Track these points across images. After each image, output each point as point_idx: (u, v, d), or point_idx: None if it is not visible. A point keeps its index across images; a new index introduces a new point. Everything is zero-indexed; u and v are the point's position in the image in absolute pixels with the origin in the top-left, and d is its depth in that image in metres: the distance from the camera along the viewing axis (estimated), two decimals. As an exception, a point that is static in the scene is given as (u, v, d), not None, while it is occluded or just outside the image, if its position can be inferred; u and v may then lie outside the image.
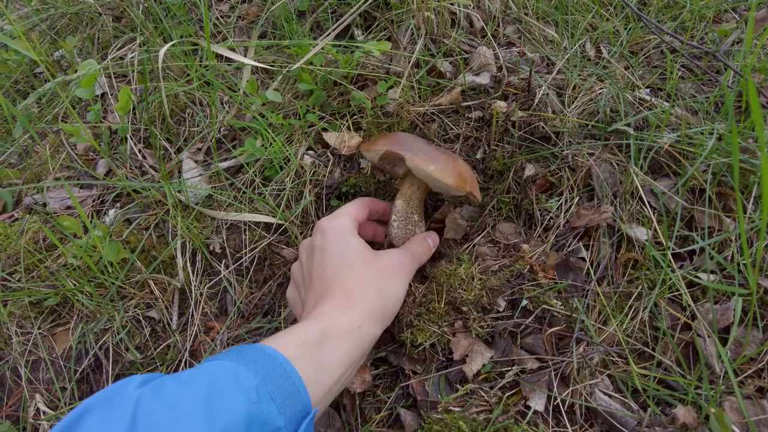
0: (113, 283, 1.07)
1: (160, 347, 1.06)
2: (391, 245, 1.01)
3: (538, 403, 0.87)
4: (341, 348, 0.73)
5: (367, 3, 1.27)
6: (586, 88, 1.18)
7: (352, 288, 0.81)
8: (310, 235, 0.93)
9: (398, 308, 0.88)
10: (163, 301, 1.09)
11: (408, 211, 1.03)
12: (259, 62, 1.23)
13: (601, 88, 1.18)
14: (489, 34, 1.32)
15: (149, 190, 1.16)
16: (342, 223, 0.90)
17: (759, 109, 0.46)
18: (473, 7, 1.35)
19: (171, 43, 1.01)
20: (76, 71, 1.46)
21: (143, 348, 1.07)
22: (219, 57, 1.32)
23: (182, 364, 1.03)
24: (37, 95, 0.93)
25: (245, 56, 1.29)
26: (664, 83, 1.25)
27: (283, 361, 0.65)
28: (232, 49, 1.25)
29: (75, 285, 1.09)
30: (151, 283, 1.10)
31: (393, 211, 1.03)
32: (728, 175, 1.03)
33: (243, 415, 0.57)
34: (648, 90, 1.24)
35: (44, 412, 1.01)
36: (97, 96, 1.43)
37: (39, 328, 1.08)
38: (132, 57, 1.39)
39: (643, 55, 1.37)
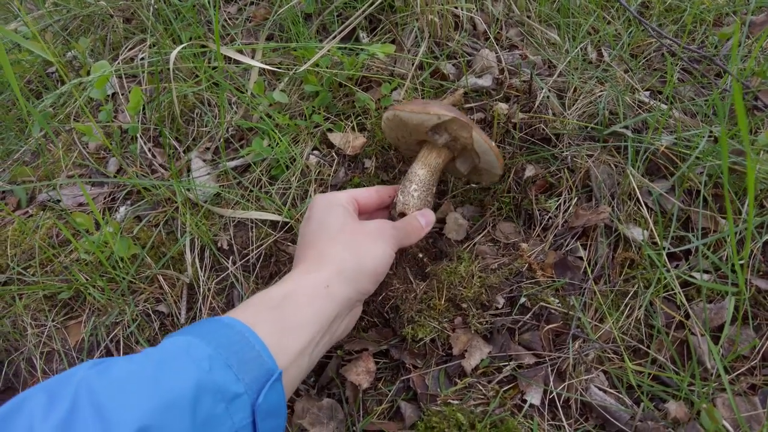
0: (124, 278, 1.10)
1: (169, 340, 1.10)
2: (402, 216, 0.99)
3: (534, 397, 0.90)
4: (307, 309, 0.71)
5: (373, 6, 1.30)
6: (586, 91, 1.20)
7: (323, 250, 0.80)
8: None
9: (379, 273, 0.84)
10: (172, 296, 1.12)
11: (431, 182, 1.02)
12: (266, 64, 1.26)
13: (601, 91, 1.20)
14: (492, 37, 1.34)
15: (159, 188, 1.19)
16: (333, 196, 0.90)
17: (744, 114, 0.48)
18: (476, 11, 1.37)
19: (181, 47, 1.04)
20: (88, 72, 1.50)
21: (153, 341, 1.10)
22: (227, 59, 1.35)
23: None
24: (55, 96, 0.96)
25: (253, 58, 1.32)
26: (664, 86, 1.27)
27: (242, 328, 0.64)
28: (240, 51, 1.28)
29: (87, 279, 1.12)
30: (161, 278, 1.13)
31: (412, 179, 1.01)
32: (732, 173, 1.05)
33: (191, 385, 0.56)
34: (648, 93, 1.26)
35: (57, 402, 1.05)
36: (108, 95, 1.47)
37: (53, 321, 1.12)
38: (142, 58, 1.43)
39: (644, 58, 1.39)
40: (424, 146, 1.06)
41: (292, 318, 0.70)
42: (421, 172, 1.01)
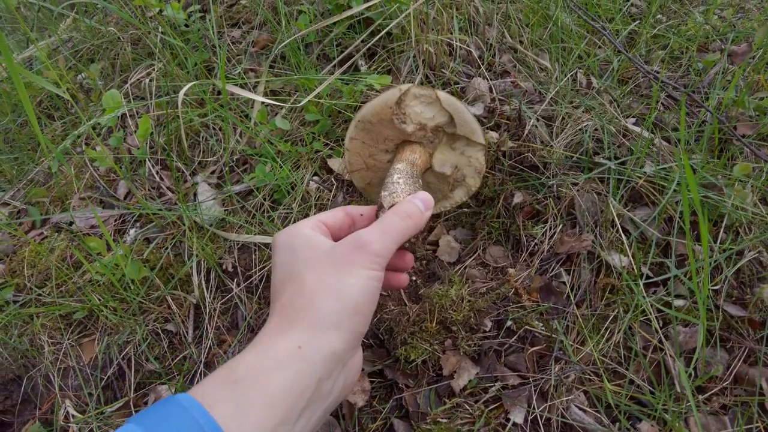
0: (135, 299, 1.17)
1: (177, 358, 1.17)
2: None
3: (517, 417, 0.96)
4: (275, 381, 0.58)
5: (372, 36, 1.36)
6: (573, 119, 1.26)
7: (290, 300, 0.65)
8: None
9: (363, 306, 0.65)
10: (180, 316, 1.19)
11: (412, 173, 0.89)
12: (269, 96, 1.33)
13: (588, 120, 1.26)
14: (485, 64, 1.41)
15: (168, 215, 1.26)
16: (294, 228, 0.72)
17: (693, 179, 0.54)
18: (469, 42, 1.43)
19: (189, 86, 1.11)
20: (99, 95, 1.56)
21: (162, 358, 1.17)
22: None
23: (198, 374, 1.13)
24: (74, 137, 1.03)
25: (257, 86, 1.38)
26: (651, 111, 1.33)
27: (196, 412, 0.54)
28: (244, 84, 1.34)
29: (100, 300, 1.19)
30: (169, 299, 1.20)
31: (392, 173, 0.88)
32: (702, 204, 1.11)
33: None
34: (633, 120, 1.32)
35: (73, 416, 1.12)
36: (118, 117, 1.53)
37: (68, 339, 1.19)
38: (150, 83, 1.49)
39: (633, 84, 1.45)
40: (397, 151, 0.97)
41: (256, 395, 0.57)
42: (400, 165, 0.90)
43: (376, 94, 1.37)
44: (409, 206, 0.74)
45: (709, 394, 1.00)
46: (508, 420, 0.96)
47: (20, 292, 1.26)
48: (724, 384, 1.00)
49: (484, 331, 1.06)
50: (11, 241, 1.36)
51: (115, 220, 1.34)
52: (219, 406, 0.55)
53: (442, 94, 0.91)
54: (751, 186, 1.11)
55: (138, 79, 1.60)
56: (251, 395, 0.57)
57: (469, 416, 0.97)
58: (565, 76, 1.36)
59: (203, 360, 1.15)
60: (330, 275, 0.65)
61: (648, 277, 1.08)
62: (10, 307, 1.21)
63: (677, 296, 1.06)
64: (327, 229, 0.75)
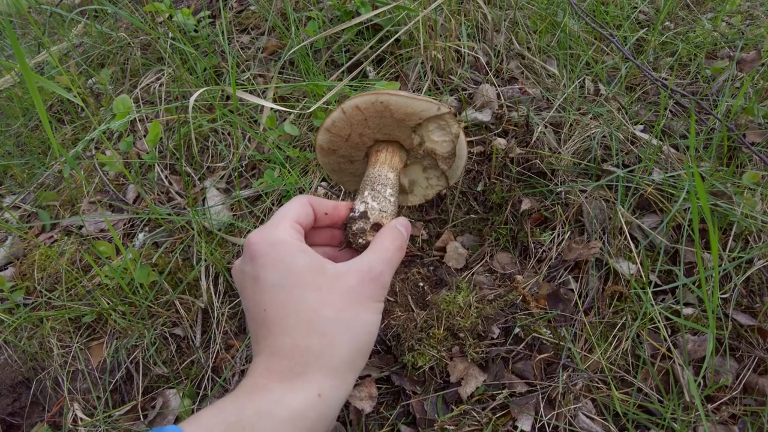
0: (143, 303, 1.18)
1: (185, 363, 1.17)
2: (378, 227, 0.77)
3: (525, 424, 0.96)
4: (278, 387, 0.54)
5: (380, 47, 1.37)
6: (581, 126, 1.26)
7: (305, 342, 0.57)
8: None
9: (374, 340, 0.62)
10: (188, 320, 1.20)
11: (398, 187, 0.85)
12: (278, 102, 1.33)
13: (596, 126, 1.26)
14: (493, 70, 1.41)
15: (177, 219, 1.27)
16: (279, 238, 0.63)
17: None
18: (477, 49, 1.43)
19: (200, 90, 1.12)
20: (109, 99, 1.58)
21: (170, 363, 1.18)
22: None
23: (205, 379, 1.13)
24: (86, 143, 1.04)
25: (266, 92, 1.39)
26: (659, 119, 1.33)
27: None
28: (253, 90, 1.35)
29: (109, 304, 1.20)
30: (177, 303, 1.21)
31: (384, 182, 0.82)
32: (712, 212, 1.11)
33: None
34: (642, 127, 1.32)
35: (81, 419, 1.13)
36: (128, 122, 1.55)
37: (77, 342, 1.20)
38: (160, 88, 1.51)
39: (641, 91, 1.45)
40: (377, 152, 0.88)
41: None
42: (392, 176, 0.84)
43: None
44: (401, 237, 0.70)
45: (718, 403, 1.00)
46: (515, 428, 0.96)
47: (30, 295, 1.27)
48: (733, 393, 1.00)
49: (492, 338, 1.06)
50: (22, 244, 1.37)
51: (125, 224, 1.35)
52: None
53: (462, 136, 0.88)
54: (761, 194, 1.11)
55: (148, 84, 1.61)
56: None
57: (476, 423, 0.97)
58: (573, 82, 1.36)
59: (211, 364, 1.15)
60: (346, 311, 0.59)
61: (656, 285, 1.07)
62: (21, 309, 1.22)
63: (686, 304, 1.06)
64: (302, 229, 0.68)
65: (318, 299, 0.59)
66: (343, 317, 0.59)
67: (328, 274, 0.61)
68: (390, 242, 0.68)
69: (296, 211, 0.68)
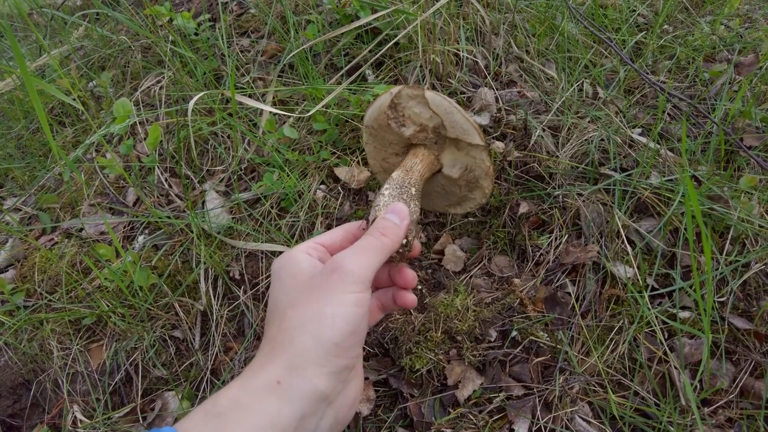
0: (143, 305, 1.18)
1: (184, 365, 1.18)
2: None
3: (521, 427, 0.97)
4: (254, 417, 0.57)
5: (379, 51, 1.38)
6: (579, 130, 1.27)
7: (275, 334, 0.63)
8: None
9: (348, 338, 0.62)
10: (187, 323, 1.20)
11: (405, 181, 0.85)
12: (277, 105, 1.34)
13: (594, 130, 1.26)
14: (491, 73, 1.41)
15: (177, 223, 1.27)
16: (289, 252, 0.70)
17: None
18: (476, 52, 1.44)
19: (200, 94, 1.12)
20: (110, 102, 1.58)
21: (169, 365, 1.19)
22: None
23: (204, 381, 1.14)
24: (86, 147, 1.04)
25: (265, 95, 1.40)
26: (657, 122, 1.33)
27: None
28: (253, 93, 1.36)
29: (109, 306, 1.21)
30: (177, 305, 1.21)
31: (385, 182, 0.85)
32: (708, 216, 1.11)
33: None
34: (640, 130, 1.32)
35: (81, 421, 1.13)
36: (128, 125, 1.55)
37: (77, 344, 1.21)
38: (160, 91, 1.51)
39: (639, 94, 1.45)
40: (405, 154, 0.95)
41: (233, 428, 0.56)
42: (395, 174, 0.87)
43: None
44: (382, 222, 0.72)
45: (714, 407, 1.00)
46: (512, 431, 0.97)
47: (31, 298, 1.27)
48: (729, 397, 1.00)
49: (489, 341, 1.06)
50: (23, 246, 1.38)
51: (124, 227, 1.36)
52: None
53: (429, 94, 0.86)
54: (758, 198, 1.11)
55: (148, 87, 1.62)
56: (230, 429, 0.56)
57: (473, 426, 0.97)
58: (572, 86, 1.36)
59: (210, 367, 1.16)
60: (309, 306, 0.63)
61: (653, 289, 1.08)
62: (21, 312, 1.23)
63: (683, 308, 1.06)
64: (325, 250, 0.72)
65: (289, 300, 0.64)
66: (304, 313, 0.62)
67: (303, 277, 0.66)
68: (372, 231, 0.71)
69: (322, 235, 0.75)
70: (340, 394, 0.64)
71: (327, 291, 0.63)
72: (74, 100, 1.02)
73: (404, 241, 0.76)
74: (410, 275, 0.78)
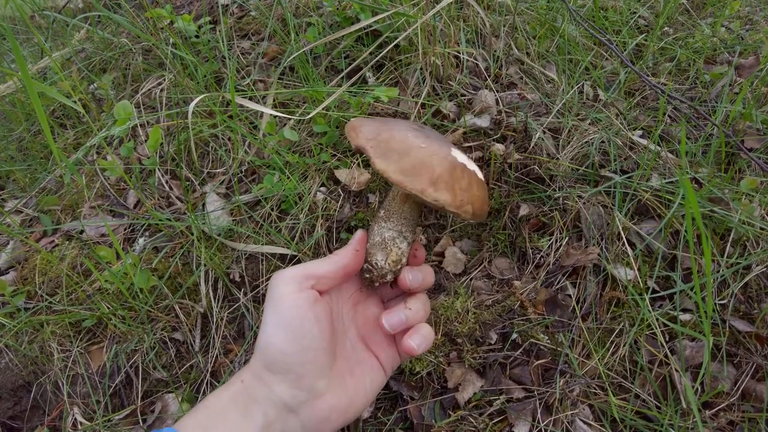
0: (143, 308, 1.18)
1: (184, 367, 1.18)
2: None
3: (522, 430, 0.96)
4: (228, 412, 0.66)
5: (380, 53, 1.38)
6: (580, 132, 1.27)
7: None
8: None
9: (290, 342, 0.69)
10: (187, 325, 1.20)
11: (383, 218, 0.89)
12: (277, 107, 1.34)
13: (594, 132, 1.26)
14: (492, 75, 1.41)
15: (177, 225, 1.27)
16: (279, 273, 0.78)
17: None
18: (476, 55, 1.44)
19: (199, 98, 1.12)
20: (111, 105, 1.59)
21: (169, 367, 1.18)
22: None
23: (204, 384, 1.14)
24: (86, 149, 1.05)
25: (265, 98, 1.40)
26: (657, 124, 1.33)
27: None
28: (253, 96, 1.36)
29: (109, 308, 1.21)
30: (177, 307, 1.21)
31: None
32: (709, 218, 1.11)
33: None
34: (640, 132, 1.32)
35: (81, 423, 1.13)
36: (129, 128, 1.56)
37: (77, 347, 1.21)
38: (161, 94, 1.52)
39: (640, 96, 1.45)
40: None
41: (219, 425, 0.65)
42: (380, 211, 0.91)
43: (384, 106, 1.38)
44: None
45: (716, 409, 1.00)
46: (512, 433, 0.96)
47: (31, 300, 1.28)
48: (731, 400, 1.00)
49: (490, 344, 1.06)
50: (23, 248, 1.38)
51: (125, 229, 1.36)
52: None
53: (383, 167, 0.80)
54: (759, 200, 1.11)
55: (149, 90, 1.62)
56: (217, 426, 0.65)
57: (473, 429, 0.97)
58: (572, 88, 1.36)
59: (210, 369, 1.16)
60: (268, 311, 0.73)
61: (654, 291, 1.07)
62: (21, 314, 1.23)
63: (683, 310, 1.06)
64: (317, 280, 0.77)
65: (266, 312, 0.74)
66: (265, 318, 0.72)
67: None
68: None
69: (314, 264, 0.80)
70: (306, 405, 0.69)
71: (281, 296, 0.72)
72: (75, 102, 1.02)
73: (365, 264, 0.83)
74: (393, 320, 0.81)
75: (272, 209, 1.29)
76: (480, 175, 0.89)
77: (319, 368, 0.71)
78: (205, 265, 1.23)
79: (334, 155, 1.35)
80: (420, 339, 0.79)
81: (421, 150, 0.78)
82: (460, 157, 0.85)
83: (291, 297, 0.71)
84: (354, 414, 0.74)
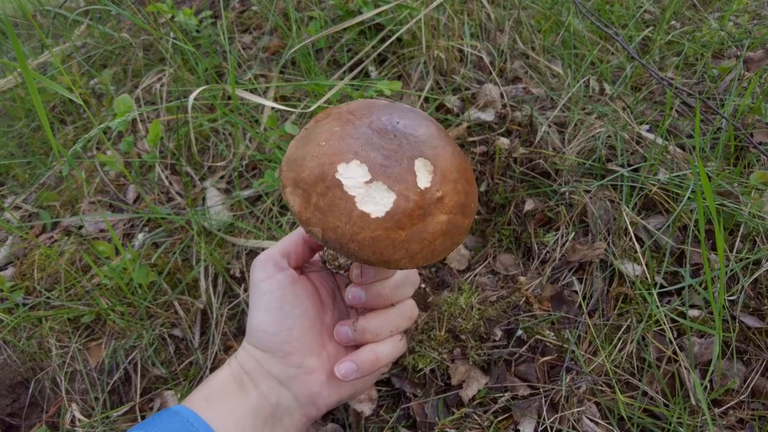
0: (142, 303, 1.17)
1: (183, 364, 1.16)
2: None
3: (527, 428, 0.94)
4: (226, 386, 0.70)
5: (382, 46, 1.36)
6: (586, 126, 1.25)
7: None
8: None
9: (272, 323, 0.71)
10: (186, 321, 1.18)
11: None
12: (279, 101, 1.32)
13: (600, 126, 1.24)
14: (496, 69, 1.39)
15: (177, 219, 1.26)
16: (261, 254, 0.80)
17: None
18: (480, 48, 1.42)
19: (200, 89, 1.11)
20: (111, 100, 1.57)
21: (168, 364, 1.17)
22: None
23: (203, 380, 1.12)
24: (85, 141, 1.03)
25: (267, 91, 1.38)
26: (665, 118, 1.31)
27: (188, 415, 0.65)
28: (254, 90, 1.34)
29: (108, 304, 1.19)
30: (176, 303, 1.20)
31: None
32: (718, 212, 1.08)
33: None
34: (647, 127, 1.30)
35: (80, 420, 1.12)
36: (129, 122, 1.54)
37: (75, 343, 1.19)
38: (161, 88, 1.50)
39: (646, 90, 1.43)
40: None
41: (223, 400, 0.69)
42: None
43: (387, 99, 1.36)
44: None
45: (725, 407, 0.97)
46: (517, 431, 0.94)
47: (30, 295, 1.26)
48: (741, 397, 0.98)
49: (494, 341, 1.04)
50: (22, 244, 1.37)
51: (124, 225, 1.35)
52: (205, 412, 0.66)
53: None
54: (769, 194, 1.09)
55: (149, 85, 1.60)
56: (222, 402, 0.68)
57: (477, 427, 0.95)
58: (578, 82, 1.34)
59: (209, 366, 1.14)
60: (252, 296, 0.75)
61: (662, 287, 1.05)
62: (20, 309, 1.21)
63: (692, 306, 1.04)
64: (289, 255, 0.79)
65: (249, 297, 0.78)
66: (250, 303, 0.76)
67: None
68: None
69: (287, 240, 0.80)
70: (296, 380, 0.70)
71: (259, 281, 0.75)
72: (77, 97, 1.01)
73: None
74: (341, 334, 0.75)
75: (273, 204, 1.27)
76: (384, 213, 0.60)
77: (306, 347, 0.71)
78: (205, 261, 1.21)
79: (336, 150, 1.33)
80: (347, 369, 0.71)
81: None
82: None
83: (266, 282, 0.73)
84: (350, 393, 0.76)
